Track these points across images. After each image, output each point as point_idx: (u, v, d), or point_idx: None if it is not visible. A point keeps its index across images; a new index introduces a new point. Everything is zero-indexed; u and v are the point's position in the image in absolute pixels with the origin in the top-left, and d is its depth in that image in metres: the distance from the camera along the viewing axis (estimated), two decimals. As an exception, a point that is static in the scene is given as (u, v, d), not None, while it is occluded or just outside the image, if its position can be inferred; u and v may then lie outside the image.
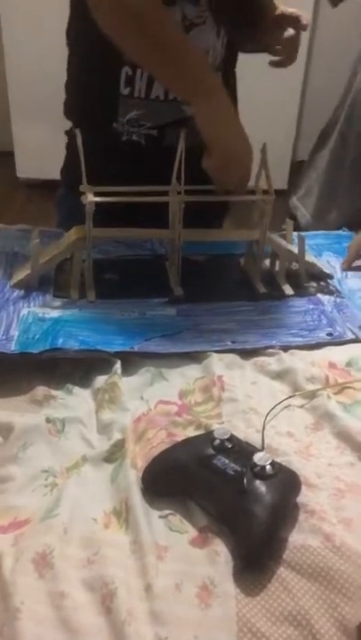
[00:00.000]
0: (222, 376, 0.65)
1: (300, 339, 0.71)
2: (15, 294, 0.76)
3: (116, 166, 0.91)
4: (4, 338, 0.67)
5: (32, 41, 2.35)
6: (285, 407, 0.61)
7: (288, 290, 0.82)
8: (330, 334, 0.72)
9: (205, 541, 0.47)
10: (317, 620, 0.42)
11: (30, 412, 0.59)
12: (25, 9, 2.31)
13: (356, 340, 0.72)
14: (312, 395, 0.62)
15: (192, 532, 0.47)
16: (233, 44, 0.93)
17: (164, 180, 0.78)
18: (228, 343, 0.69)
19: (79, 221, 0.76)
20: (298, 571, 0.45)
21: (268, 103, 2.82)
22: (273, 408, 0.60)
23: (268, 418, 0.59)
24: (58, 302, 0.75)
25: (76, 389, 0.63)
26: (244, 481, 0.48)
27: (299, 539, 0.47)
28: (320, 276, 0.85)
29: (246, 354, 0.69)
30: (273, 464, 0.49)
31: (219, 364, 0.67)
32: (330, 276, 0.86)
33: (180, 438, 0.56)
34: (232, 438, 0.52)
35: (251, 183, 0.80)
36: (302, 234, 0.92)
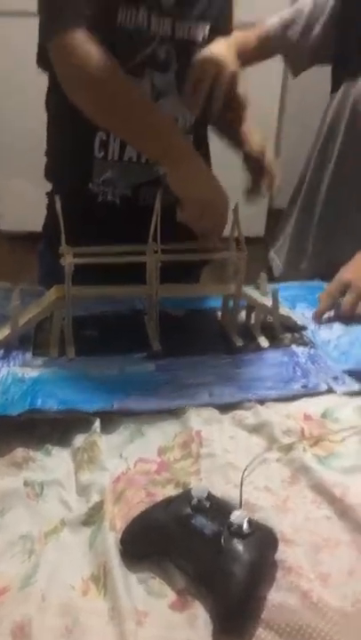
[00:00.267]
0: (200, 431, 0.66)
1: (275, 391, 0.73)
2: (-5, 354, 0.77)
3: (93, 226, 0.95)
4: (-17, 400, 0.68)
5: (17, 100, 2.44)
6: (263, 461, 0.62)
7: (264, 342, 0.84)
8: (304, 386, 0.74)
9: (185, 605, 0.47)
10: None
11: (9, 475, 0.60)
12: (10, 72, 2.42)
13: (330, 392, 0.73)
14: (288, 448, 0.63)
15: (171, 596, 0.48)
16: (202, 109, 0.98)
17: (141, 238, 0.81)
18: (206, 398, 0.71)
19: (60, 277, 0.78)
20: (276, 630, 0.45)
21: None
22: (250, 463, 0.61)
23: (245, 473, 0.59)
24: (37, 361, 0.76)
25: (56, 450, 0.64)
26: (222, 540, 0.48)
27: (277, 597, 0.47)
28: (294, 328, 0.88)
29: (224, 408, 0.70)
30: (250, 522, 0.50)
31: (197, 418, 0.68)
32: (304, 328, 0.88)
33: (159, 498, 0.56)
34: (210, 496, 0.52)
35: (226, 232, 0.83)
36: (277, 285, 0.95)
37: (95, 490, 0.57)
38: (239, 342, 0.84)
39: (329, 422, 0.68)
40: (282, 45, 1.09)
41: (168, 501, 0.54)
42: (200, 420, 0.68)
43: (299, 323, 0.89)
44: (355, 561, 0.51)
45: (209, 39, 0.92)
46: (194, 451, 0.63)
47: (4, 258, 2.56)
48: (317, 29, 1.06)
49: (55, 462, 0.62)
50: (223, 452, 0.63)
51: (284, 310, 0.89)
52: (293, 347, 0.84)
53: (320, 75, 1.16)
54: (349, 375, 0.76)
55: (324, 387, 0.74)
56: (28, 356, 0.78)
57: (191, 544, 0.49)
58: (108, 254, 0.78)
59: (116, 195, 0.97)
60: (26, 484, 0.57)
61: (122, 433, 0.67)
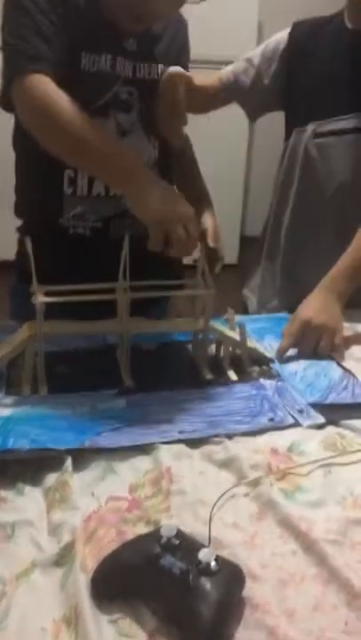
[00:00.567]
0: (171, 467, 0.67)
1: (243, 425, 0.75)
2: (-33, 392, 0.78)
3: (64, 258, 0.97)
4: None
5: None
6: (231, 497, 0.64)
7: (232, 375, 0.87)
8: (271, 419, 0.76)
9: (155, 645, 0.48)
10: None
11: (-19, 516, 0.60)
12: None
13: (295, 425, 0.76)
14: (256, 483, 0.65)
15: (142, 637, 0.48)
16: (165, 145, 1.02)
17: (113, 269, 0.83)
18: (177, 434, 0.72)
19: (31, 312, 0.79)
20: (244, 669, 0.46)
21: (214, 178, 3.01)
22: (219, 499, 0.62)
23: (214, 509, 0.61)
24: (9, 400, 0.77)
25: (27, 489, 0.64)
26: (190, 579, 0.50)
27: (245, 634, 0.49)
28: (262, 361, 0.91)
29: (194, 443, 0.72)
30: (217, 559, 0.51)
31: (167, 454, 0.69)
32: (271, 360, 0.91)
33: (129, 536, 0.57)
34: (179, 534, 0.54)
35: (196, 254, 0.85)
36: (244, 319, 0.98)
37: (66, 529, 0.58)
38: (209, 376, 0.86)
39: (295, 456, 0.70)
40: (235, 94, 1.16)
41: (138, 540, 0.55)
42: (170, 455, 0.69)
43: (266, 355, 0.92)
44: (320, 595, 0.52)
45: None
46: (164, 487, 0.64)
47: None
48: (267, 80, 1.13)
49: (27, 502, 0.62)
50: (193, 488, 0.65)
51: (252, 343, 0.92)
52: (261, 380, 0.86)
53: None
54: (314, 408, 0.79)
55: (290, 420, 0.76)
56: (0, 394, 0.79)
57: (160, 583, 0.50)
58: (79, 292, 0.80)
59: (86, 228, 1.00)
60: (-3, 525, 0.58)
61: (94, 470, 0.68)
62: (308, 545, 0.57)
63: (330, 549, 0.56)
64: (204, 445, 0.72)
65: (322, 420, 0.77)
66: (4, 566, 0.55)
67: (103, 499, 0.63)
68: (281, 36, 1.13)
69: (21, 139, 0.96)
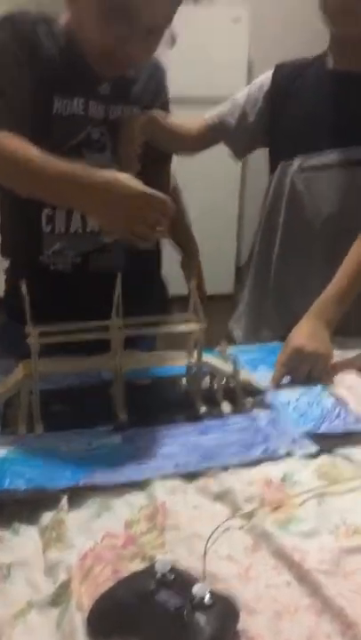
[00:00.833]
0: (165, 502, 0.68)
1: (238, 457, 0.76)
2: (-36, 433, 0.79)
3: (46, 295, 1.00)
4: None
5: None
6: (226, 530, 0.64)
7: (226, 407, 0.88)
8: (265, 451, 0.77)
9: None
10: None
11: (-22, 557, 0.61)
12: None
13: (289, 455, 0.77)
14: (250, 515, 0.66)
15: (137, 674, 0.49)
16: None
17: (92, 305, 0.85)
18: (171, 468, 0.73)
19: (23, 349, 0.80)
20: None
21: (209, 211, 3.08)
22: (213, 532, 0.63)
23: (208, 543, 0.62)
24: (5, 439, 0.78)
25: (23, 528, 0.65)
26: (185, 615, 0.50)
27: (240, 669, 0.49)
28: (255, 392, 0.92)
29: (189, 477, 0.73)
30: (212, 594, 0.52)
31: (162, 489, 0.70)
32: (264, 391, 0.92)
33: (125, 573, 0.58)
34: (173, 570, 0.54)
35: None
36: (237, 350, 1.00)
37: (62, 568, 0.58)
38: (203, 409, 0.87)
39: (288, 486, 0.71)
40: (221, 133, 1.21)
41: (133, 577, 0.56)
42: (165, 490, 0.70)
43: (259, 386, 0.93)
44: (313, 626, 0.53)
45: None
46: (159, 523, 0.65)
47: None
48: (252, 117, 1.18)
49: (23, 541, 0.63)
50: (188, 522, 0.65)
51: (245, 374, 0.93)
52: (255, 411, 0.87)
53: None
54: (307, 437, 0.80)
55: (283, 451, 0.77)
56: (-3, 433, 0.80)
57: (156, 620, 0.51)
58: (73, 331, 0.81)
59: (66, 263, 1.04)
60: (-7, 566, 0.58)
61: (89, 507, 0.68)
62: (301, 575, 0.57)
63: (323, 579, 0.56)
64: (199, 478, 0.73)
65: (315, 449, 0.78)
66: (1, 607, 0.55)
67: (99, 536, 0.63)
68: (265, 78, 1.18)
69: None
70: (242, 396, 0.90)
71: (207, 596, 0.51)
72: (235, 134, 1.20)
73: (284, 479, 0.72)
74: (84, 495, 0.70)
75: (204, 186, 3.06)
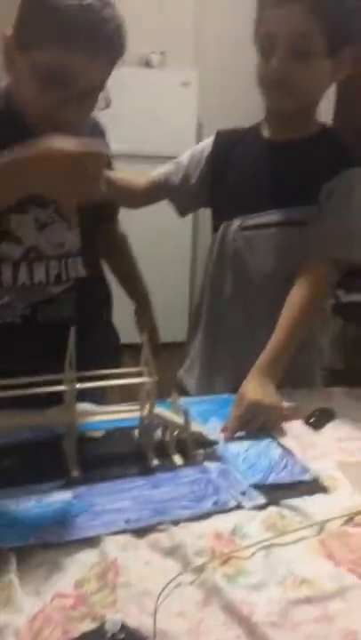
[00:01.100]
0: (117, 559, 0.68)
1: (188, 510, 0.77)
2: None
3: None
4: None
5: None
6: (177, 585, 0.65)
7: (178, 460, 0.89)
8: (215, 503, 0.79)
9: None
10: None
11: None
12: None
13: (238, 507, 0.78)
14: (200, 569, 0.67)
15: None
16: (88, 232, 1.11)
17: (43, 352, 0.86)
18: (122, 524, 0.74)
19: None
20: None
21: (162, 258, 3.16)
22: (163, 589, 0.63)
23: (159, 600, 0.62)
24: None
25: (-29, 591, 0.64)
26: (134, 675, 0.50)
27: None
28: (206, 444, 0.94)
29: (140, 532, 0.73)
30: (161, 652, 0.52)
31: (113, 546, 0.70)
32: (215, 443, 0.94)
33: (75, 634, 0.57)
34: (124, 628, 0.55)
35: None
36: (189, 401, 1.02)
37: (10, 632, 0.57)
38: (155, 462, 0.88)
39: (238, 538, 0.72)
40: (166, 191, 1.29)
41: (82, 638, 0.55)
42: (116, 546, 0.70)
43: (211, 438, 0.95)
44: None
45: None
46: (110, 580, 0.65)
47: None
48: (194, 179, 1.26)
49: (-30, 606, 0.62)
50: (139, 579, 0.66)
51: (196, 426, 0.96)
52: (206, 463, 0.89)
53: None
54: (256, 488, 0.82)
55: (233, 503, 0.79)
56: None
57: None
58: (26, 385, 0.82)
59: (15, 315, 1.06)
60: None
61: (39, 567, 0.67)
62: (250, 629, 0.58)
63: (271, 632, 0.58)
64: (150, 534, 0.73)
65: (263, 501, 0.80)
66: None
67: (48, 597, 0.63)
68: (206, 143, 1.28)
69: None
70: (193, 448, 0.92)
71: (157, 655, 0.52)
72: (178, 193, 1.28)
73: (233, 532, 0.74)
74: (34, 554, 0.69)
75: (156, 236, 3.15)
